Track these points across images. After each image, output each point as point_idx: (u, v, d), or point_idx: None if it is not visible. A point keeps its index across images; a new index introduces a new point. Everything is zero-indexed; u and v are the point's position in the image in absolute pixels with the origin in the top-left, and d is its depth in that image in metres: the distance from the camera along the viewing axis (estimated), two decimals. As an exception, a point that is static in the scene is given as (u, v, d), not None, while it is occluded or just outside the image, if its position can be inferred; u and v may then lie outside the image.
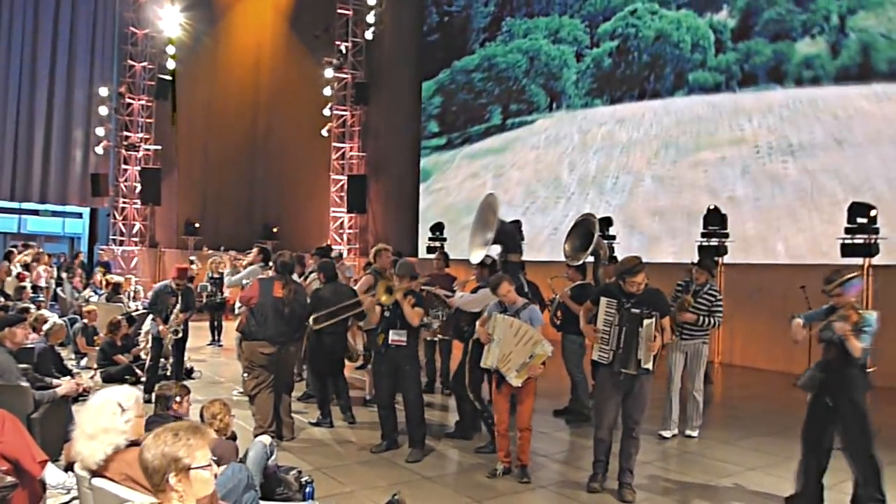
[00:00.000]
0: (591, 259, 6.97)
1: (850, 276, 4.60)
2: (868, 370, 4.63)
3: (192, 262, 14.14)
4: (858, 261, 9.52)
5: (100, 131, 17.35)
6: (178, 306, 7.75)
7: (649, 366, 4.81)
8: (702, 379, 6.59)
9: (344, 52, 19.79)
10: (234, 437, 4.55)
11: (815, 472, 4.67)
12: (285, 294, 6.08)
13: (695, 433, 6.58)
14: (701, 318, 6.43)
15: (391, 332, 5.72)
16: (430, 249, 14.59)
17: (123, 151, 17.73)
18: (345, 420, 6.78)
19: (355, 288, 7.18)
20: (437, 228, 15.45)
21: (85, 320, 9.74)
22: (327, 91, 19.53)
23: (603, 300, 4.95)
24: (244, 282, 8.34)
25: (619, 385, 4.87)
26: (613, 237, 11.81)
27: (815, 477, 4.68)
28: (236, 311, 8.59)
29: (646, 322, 4.75)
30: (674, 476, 5.52)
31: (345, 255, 18.55)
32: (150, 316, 8.19)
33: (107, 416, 2.95)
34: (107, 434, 2.92)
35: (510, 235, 6.49)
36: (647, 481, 5.26)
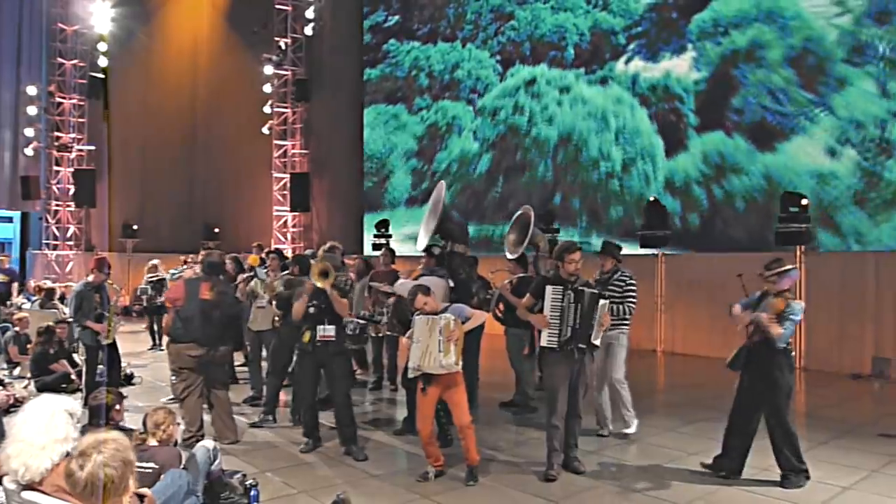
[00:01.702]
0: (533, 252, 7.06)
1: (788, 267, 5.02)
2: (791, 352, 5.03)
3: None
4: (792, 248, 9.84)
5: (29, 132, 16.72)
6: (115, 298, 7.32)
7: (598, 342, 5.19)
8: (623, 369, 6.19)
9: (283, 48, 19.44)
10: (176, 444, 4.45)
11: (738, 452, 5.10)
12: (213, 296, 5.92)
13: (631, 429, 6.20)
14: (611, 306, 6.10)
15: (319, 327, 5.66)
16: (375, 247, 14.48)
17: (55, 152, 17.15)
18: (292, 421, 6.69)
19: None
20: (383, 225, 15.34)
21: (17, 328, 9.37)
22: (267, 88, 19.17)
23: (549, 288, 5.20)
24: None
25: (573, 364, 5.12)
26: (557, 230, 11.93)
27: (739, 456, 5.11)
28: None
29: (601, 301, 5.15)
30: (618, 463, 5.60)
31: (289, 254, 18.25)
32: (76, 324, 7.48)
33: (61, 427, 2.91)
34: (60, 443, 2.88)
35: (458, 226, 6.52)
36: (593, 470, 5.34)
